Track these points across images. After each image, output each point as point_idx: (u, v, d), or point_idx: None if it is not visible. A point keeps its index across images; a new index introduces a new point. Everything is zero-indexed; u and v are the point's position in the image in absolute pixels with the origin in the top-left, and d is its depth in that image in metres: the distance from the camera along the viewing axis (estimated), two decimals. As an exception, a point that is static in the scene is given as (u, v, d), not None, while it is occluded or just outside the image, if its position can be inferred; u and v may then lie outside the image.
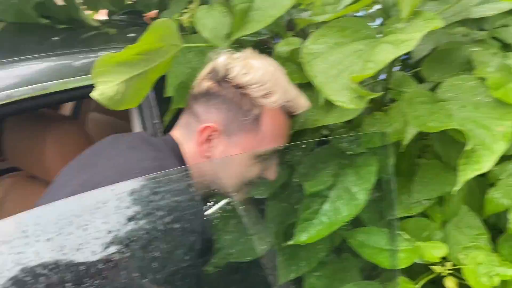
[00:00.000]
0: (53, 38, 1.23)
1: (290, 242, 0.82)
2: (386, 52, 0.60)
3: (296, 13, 1.04)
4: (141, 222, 0.59)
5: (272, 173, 0.86)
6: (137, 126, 1.14)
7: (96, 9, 1.61)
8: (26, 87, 0.90)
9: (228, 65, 0.79)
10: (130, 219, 0.56)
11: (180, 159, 0.81)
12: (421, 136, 1.00)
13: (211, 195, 0.84)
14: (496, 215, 0.92)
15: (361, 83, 0.66)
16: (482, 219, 0.92)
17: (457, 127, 0.68)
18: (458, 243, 0.85)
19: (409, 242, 0.83)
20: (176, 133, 0.85)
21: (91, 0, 1.50)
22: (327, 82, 0.63)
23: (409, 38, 0.60)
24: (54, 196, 0.76)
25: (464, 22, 1.10)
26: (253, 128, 0.80)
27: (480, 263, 0.78)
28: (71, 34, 1.28)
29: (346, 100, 0.61)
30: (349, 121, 0.98)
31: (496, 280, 0.76)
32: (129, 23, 1.67)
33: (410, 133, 0.81)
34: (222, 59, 0.80)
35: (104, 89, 0.81)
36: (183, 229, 0.59)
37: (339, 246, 0.98)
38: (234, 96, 0.79)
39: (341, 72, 0.63)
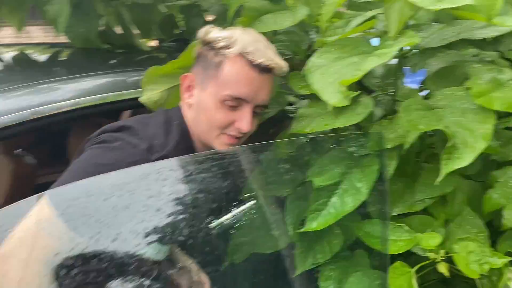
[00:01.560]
0: (112, 61, 1.45)
1: (302, 229, 0.94)
2: (371, 62, 0.74)
3: (317, 36, 1.20)
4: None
5: (243, 124, 0.96)
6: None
7: (149, 37, 1.83)
8: (90, 97, 1.10)
9: (207, 31, 0.97)
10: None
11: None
12: (429, 144, 1.11)
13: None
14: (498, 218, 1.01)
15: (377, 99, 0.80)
16: (485, 221, 1.01)
17: (442, 128, 0.80)
18: (455, 236, 0.94)
19: (409, 234, 0.93)
20: None
21: (145, 28, 1.72)
22: (323, 88, 0.78)
23: (389, 52, 0.73)
24: None
25: (477, 43, 1.21)
26: (215, 74, 0.95)
27: (472, 251, 0.87)
28: (127, 57, 1.49)
29: (337, 100, 0.75)
30: (359, 128, 1.11)
31: (486, 268, 0.85)
32: (177, 49, 1.88)
33: (410, 138, 0.93)
34: (205, 28, 0.98)
35: (151, 95, 1.01)
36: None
37: (353, 243, 1.09)
38: (204, 51, 0.97)
39: (336, 79, 0.77)
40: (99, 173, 0.66)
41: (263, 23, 1.03)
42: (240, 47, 0.93)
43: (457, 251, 0.87)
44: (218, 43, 0.95)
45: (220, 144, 0.99)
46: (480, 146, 0.78)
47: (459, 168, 1.04)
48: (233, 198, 0.86)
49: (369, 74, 1.21)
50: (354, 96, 0.83)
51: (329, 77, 0.78)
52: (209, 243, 0.83)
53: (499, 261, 0.85)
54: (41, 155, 1.90)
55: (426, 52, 1.24)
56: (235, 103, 0.95)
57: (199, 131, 0.99)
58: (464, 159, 0.78)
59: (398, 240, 0.92)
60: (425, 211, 1.04)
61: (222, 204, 0.83)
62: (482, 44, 1.22)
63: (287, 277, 1.00)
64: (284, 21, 0.99)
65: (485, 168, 1.09)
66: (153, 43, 2.03)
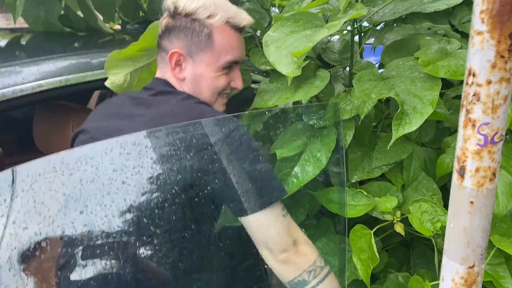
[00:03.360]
0: (75, 43, 1.44)
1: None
2: (321, 34, 0.78)
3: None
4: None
5: (238, 82, 1.04)
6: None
7: (112, 20, 1.82)
8: (53, 79, 1.10)
9: (175, 2, 0.98)
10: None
11: None
12: (387, 115, 1.17)
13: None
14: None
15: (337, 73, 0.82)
16: (440, 185, 1.08)
17: (392, 95, 0.85)
18: (411, 199, 1.00)
19: (367, 199, 0.99)
20: (158, 73, 1.04)
21: (107, 11, 1.71)
22: (279, 59, 0.81)
23: (338, 24, 0.77)
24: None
25: (432, 17, 1.26)
26: (208, 45, 0.97)
27: (425, 211, 0.93)
28: (90, 39, 1.49)
29: (290, 70, 0.79)
30: (319, 101, 1.15)
31: (438, 226, 0.91)
32: (141, 31, 1.87)
33: (366, 108, 0.98)
34: (169, 0, 0.99)
35: (115, 79, 1.02)
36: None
37: (318, 212, 1.15)
38: (186, 23, 0.97)
39: (290, 51, 0.81)
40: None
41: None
42: (223, 15, 0.97)
43: (412, 212, 0.93)
44: (200, 14, 0.96)
45: (220, 106, 1.05)
46: (427, 111, 0.84)
47: (415, 136, 1.11)
48: (202, 171, 0.88)
49: (327, 50, 1.26)
50: (311, 69, 0.87)
51: (284, 49, 0.82)
52: (177, 217, 0.85)
53: (450, 219, 0.91)
54: (6, 143, 1.88)
55: (385, 28, 1.29)
56: (230, 66, 1.01)
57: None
58: (413, 124, 0.83)
59: (357, 205, 0.97)
60: (384, 178, 1.10)
61: (189, 178, 0.85)
62: (435, 17, 1.28)
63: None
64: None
65: (439, 135, 1.15)
66: (117, 27, 2.01)
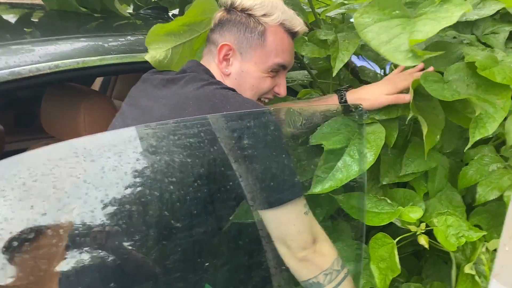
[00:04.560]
0: (89, 25, 1.39)
1: (307, 193, 0.93)
2: (430, 25, 0.75)
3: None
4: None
5: (282, 89, 1.02)
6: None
7: (127, 3, 1.77)
8: (69, 60, 1.05)
9: None
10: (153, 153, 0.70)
11: None
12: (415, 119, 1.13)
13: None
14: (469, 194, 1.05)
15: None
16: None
17: (466, 97, 0.84)
18: (435, 210, 0.97)
19: (391, 207, 0.95)
20: (202, 62, 1.02)
21: (123, -6, 1.66)
22: (380, 45, 0.77)
23: (449, 15, 0.74)
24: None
25: (456, 26, 1.23)
26: (259, 43, 0.95)
27: (450, 225, 0.90)
28: (105, 21, 1.44)
29: (402, 58, 0.75)
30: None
31: (462, 241, 0.88)
32: (154, 17, 1.82)
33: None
34: None
35: (155, 54, 1.00)
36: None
37: (334, 214, 1.11)
38: (241, 18, 0.96)
39: (391, 38, 0.77)
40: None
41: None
42: (279, 15, 0.95)
43: (437, 225, 0.90)
44: (257, 11, 0.95)
45: None
46: (500, 116, 0.83)
47: (439, 146, 1.08)
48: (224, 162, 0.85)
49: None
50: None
51: (381, 35, 0.77)
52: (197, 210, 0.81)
53: (475, 235, 0.88)
54: (7, 121, 1.82)
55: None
56: (278, 70, 0.99)
57: None
58: (488, 128, 0.83)
59: (380, 212, 0.94)
60: (406, 184, 1.07)
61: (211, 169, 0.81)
62: (459, 26, 1.25)
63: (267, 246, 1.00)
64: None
65: (459, 146, 1.13)
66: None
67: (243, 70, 0.97)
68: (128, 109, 0.98)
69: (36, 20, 1.40)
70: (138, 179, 0.69)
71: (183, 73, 0.95)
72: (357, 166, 0.91)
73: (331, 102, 1.04)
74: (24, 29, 1.27)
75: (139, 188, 0.69)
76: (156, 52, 1.00)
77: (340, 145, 0.94)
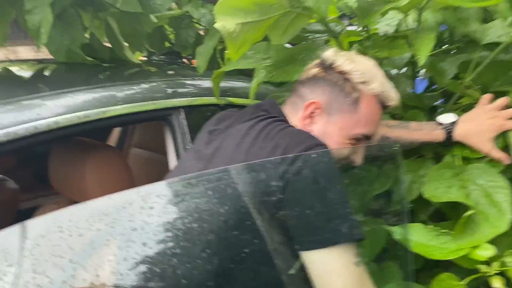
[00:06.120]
0: (99, 75, 1.35)
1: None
2: None
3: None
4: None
5: (359, 158, 0.94)
6: (172, 159, 1.22)
7: (139, 50, 1.74)
8: (71, 115, 0.99)
9: (335, 55, 0.93)
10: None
11: None
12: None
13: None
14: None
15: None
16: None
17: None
18: (505, 247, 0.83)
19: (452, 241, 0.83)
20: (284, 110, 0.97)
21: (134, 41, 1.63)
22: None
23: None
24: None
25: (488, 46, 1.14)
26: (351, 110, 0.90)
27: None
28: (115, 70, 1.39)
29: None
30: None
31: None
32: (168, 62, 1.79)
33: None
34: (330, 52, 0.94)
35: (225, 24, 0.95)
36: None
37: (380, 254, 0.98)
38: (338, 80, 0.91)
39: None
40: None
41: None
42: (377, 86, 0.91)
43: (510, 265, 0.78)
44: (355, 77, 0.90)
45: None
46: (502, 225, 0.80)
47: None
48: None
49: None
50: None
51: None
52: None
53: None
54: (23, 179, 1.78)
55: (438, 56, 1.17)
56: (360, 139, 0.94)
57: None
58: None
59: (441, 247, 0.83)
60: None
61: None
62: (491, 47, 1.15)
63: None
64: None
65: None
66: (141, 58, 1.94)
67: (326, 131, 0.91)
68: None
69: (47, 74, 1.37)
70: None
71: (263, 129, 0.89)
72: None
73: (434, 133, 1.03)
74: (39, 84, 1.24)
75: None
76: (226, 23, 0.95)
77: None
